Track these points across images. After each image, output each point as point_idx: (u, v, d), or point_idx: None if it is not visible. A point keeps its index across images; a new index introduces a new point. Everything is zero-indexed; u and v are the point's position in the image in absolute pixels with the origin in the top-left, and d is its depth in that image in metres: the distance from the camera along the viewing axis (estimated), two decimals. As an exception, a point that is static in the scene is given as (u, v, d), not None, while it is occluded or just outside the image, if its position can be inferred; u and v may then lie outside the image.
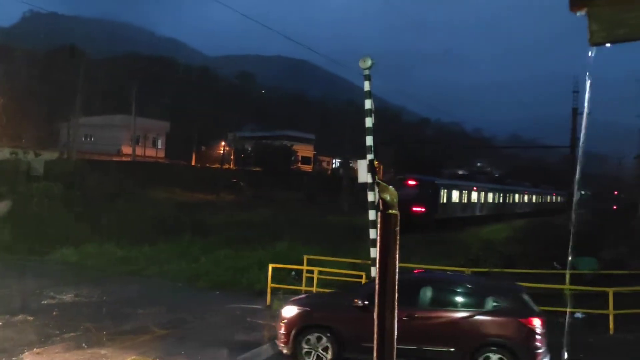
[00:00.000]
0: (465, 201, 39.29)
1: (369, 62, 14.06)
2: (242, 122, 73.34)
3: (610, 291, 12.32)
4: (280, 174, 57.50)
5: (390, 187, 1.75)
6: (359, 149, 14.37)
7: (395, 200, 1.76)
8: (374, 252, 13.77)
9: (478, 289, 9.68)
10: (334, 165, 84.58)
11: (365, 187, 13.85)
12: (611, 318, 12.12)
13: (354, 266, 15.67)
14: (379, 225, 1.66)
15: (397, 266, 1.76)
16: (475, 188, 41.12)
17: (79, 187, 31.19)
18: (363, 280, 14.74)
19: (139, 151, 57.39)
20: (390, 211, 1.67)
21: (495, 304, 9.17)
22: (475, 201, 40.89)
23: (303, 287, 15.99)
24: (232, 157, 70.06)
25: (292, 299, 10.98)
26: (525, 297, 9.35)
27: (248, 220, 30.95)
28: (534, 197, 59.91)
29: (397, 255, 1.74)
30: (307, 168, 75.73)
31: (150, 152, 62.02)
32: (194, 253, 20.22)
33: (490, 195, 43.67)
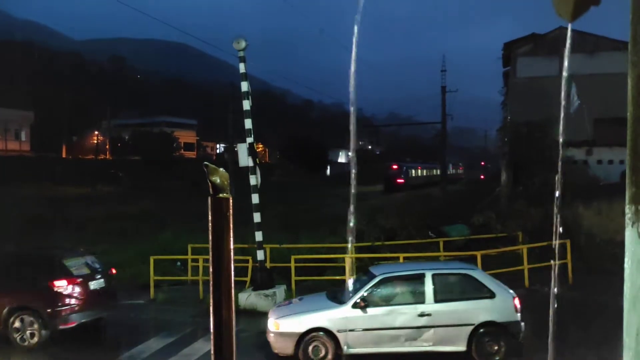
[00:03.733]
0: (417, 175, 65.57)
1: (243, 44, 13.74)
2: (117, 109, 69.24)
3: (479, 254, 13.36)
4: (162, 162, 55.31)
5: (221, 169, 1.61)
6: (243, 133, 14.13)
7: (226, 182, 1.63)
8: (259, 236, 13.69)
9: (20, 261, 10.65)
10: (218, 151, 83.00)
11: (247, 171, 13.66)
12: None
13: (242, 251, 15.44)
14: (210, 211, 1.53)
15: (232, 254, 1.64)
16: (420, 167, 68.80)
17: None
18: (249, 265, 14.62)
19: (-1, 145, 52.29)
20: (221, 195, 1.54)
21: (33, 274, 10.13)
22: (420, 175, 67.06)
23: (189, 277, 15.54)
24: (107, 146, 66.10)
25: None
26: (69, 262, 10.34)
27: (128, 212, 29.44)
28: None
29: (231, 242, 1.62)
30: (191, 154, 73.65)
31: (13, 145, 56.72)
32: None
33: (425, 171, 70.05)
